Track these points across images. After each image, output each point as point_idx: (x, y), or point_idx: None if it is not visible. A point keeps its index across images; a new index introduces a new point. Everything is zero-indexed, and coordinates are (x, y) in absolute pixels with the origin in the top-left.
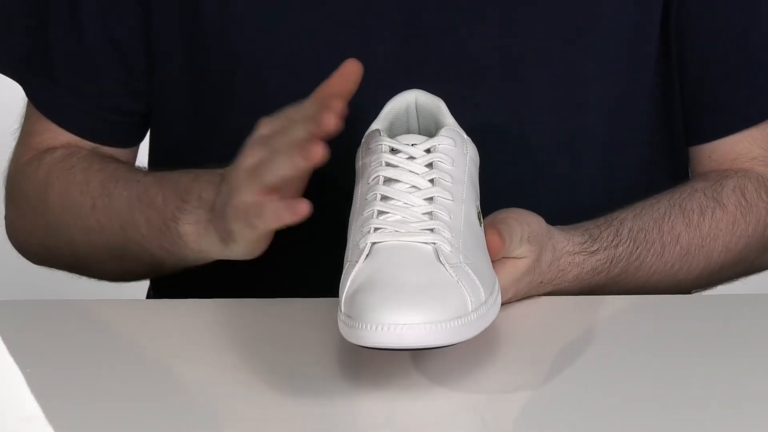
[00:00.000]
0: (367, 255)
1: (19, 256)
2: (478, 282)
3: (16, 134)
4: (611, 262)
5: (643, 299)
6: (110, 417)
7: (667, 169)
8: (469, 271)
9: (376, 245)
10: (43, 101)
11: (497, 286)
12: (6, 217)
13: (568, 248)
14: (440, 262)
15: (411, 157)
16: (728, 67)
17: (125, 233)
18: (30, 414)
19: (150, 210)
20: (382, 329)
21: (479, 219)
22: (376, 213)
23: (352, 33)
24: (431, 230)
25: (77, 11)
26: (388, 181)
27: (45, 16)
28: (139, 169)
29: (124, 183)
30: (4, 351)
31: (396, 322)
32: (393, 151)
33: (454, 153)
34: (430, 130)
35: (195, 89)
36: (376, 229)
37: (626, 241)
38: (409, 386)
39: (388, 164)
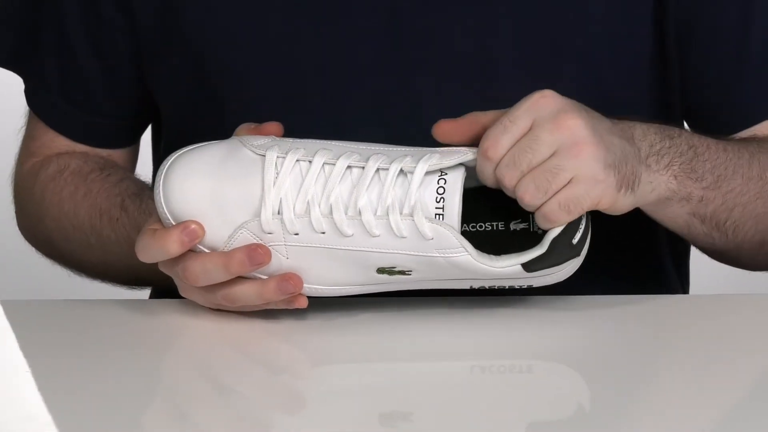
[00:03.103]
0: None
1: (19, 256)
2: None
3: (21, 133)
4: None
5: (644, 299)
6: (110, 416)
7: None
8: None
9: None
10: (37, 104)
11: None
12: (15, 212)
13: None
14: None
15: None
16: (737, 63)
17: (124, 267)
18: (30, 413)
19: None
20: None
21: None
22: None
23: (334, 37)
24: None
25: (64, 24)
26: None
27: (35, 24)
28: (117, 193)
29: (107, 221)
30: (5, 350)
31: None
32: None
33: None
34: None
35: (186, 93)
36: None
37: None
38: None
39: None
